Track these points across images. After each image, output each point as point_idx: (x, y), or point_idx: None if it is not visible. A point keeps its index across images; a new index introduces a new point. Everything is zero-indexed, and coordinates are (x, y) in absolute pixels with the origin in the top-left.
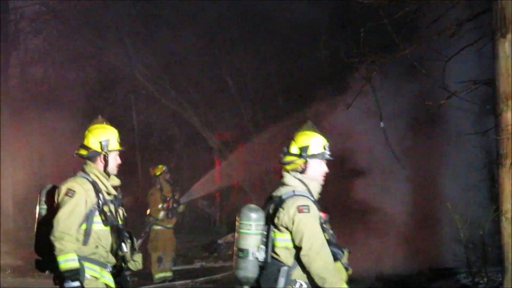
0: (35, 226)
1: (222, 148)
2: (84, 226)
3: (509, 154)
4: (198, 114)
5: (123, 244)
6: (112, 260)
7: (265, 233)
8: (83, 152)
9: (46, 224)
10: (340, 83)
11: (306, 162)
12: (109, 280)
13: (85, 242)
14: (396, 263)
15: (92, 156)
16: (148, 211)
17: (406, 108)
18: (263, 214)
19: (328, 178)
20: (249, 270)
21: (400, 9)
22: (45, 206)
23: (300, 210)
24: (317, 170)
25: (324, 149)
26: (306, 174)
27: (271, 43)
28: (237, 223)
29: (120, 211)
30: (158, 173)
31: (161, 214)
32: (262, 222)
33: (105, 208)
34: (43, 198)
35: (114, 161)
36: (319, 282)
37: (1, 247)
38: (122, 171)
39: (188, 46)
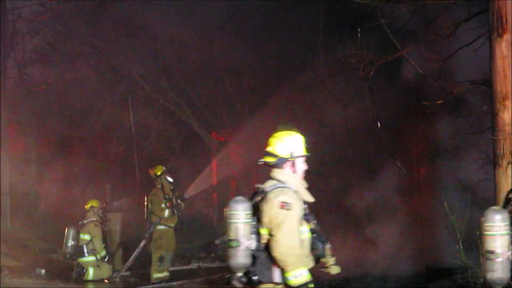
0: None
1: (220, 148)
2: None
3: (506, 154)
4: (196, 114)
5: (327, 250)
6: (310, 266)
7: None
8: (271, 159)
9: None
10: (338, 83)
11: None
12: None
13: None
14: (393, 263)
15: (281, 163)
16: (145, 213)
17: (403, 108)
18: (506, 214)
19: (326, 179)
20: (501, 271)
21: (398, 9)
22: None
23: None
24: None
25: None
26: None
27: (268, 43)
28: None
29: None
30: (159, 173)
31: (166, 212)
32: (507, 222)
33: (310, 217)
34: (246, 212)
35: (301, 167)
36: None
37: (0, 248)
38: (119, 172)
39: (186, 46)
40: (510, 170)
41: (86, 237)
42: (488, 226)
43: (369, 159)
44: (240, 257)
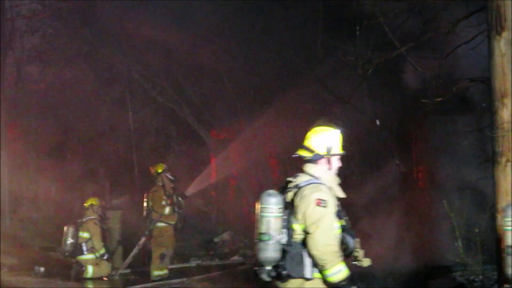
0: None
1: (218, 146)
2: None
3: (504, 151)
4: (195, 113)
5: (357, 244)
6: None
7: None
8: (306, 153)
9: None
10: (338, 81)
11: None
12: None
13: None
14: (392, 261)
15: (316, 159)
16: (144, 210)
17: (402, 106)
18: None
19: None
20: None
21: (397, 7)
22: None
23: None
24: None
25: None
26: None
27: (267, 42)
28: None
29: None
30: (160, 171)
31: (167, 210)
32: None
33: (342, 213)
34: (278, 206)
35: (336, 163)
36: None
37: (0, 246)
38: (118, 170)
39: (184, 44)
40: (509, 168)
41: (85, 235)
42: (509, 221)
43: (368, 157)
44: (270, 251)
